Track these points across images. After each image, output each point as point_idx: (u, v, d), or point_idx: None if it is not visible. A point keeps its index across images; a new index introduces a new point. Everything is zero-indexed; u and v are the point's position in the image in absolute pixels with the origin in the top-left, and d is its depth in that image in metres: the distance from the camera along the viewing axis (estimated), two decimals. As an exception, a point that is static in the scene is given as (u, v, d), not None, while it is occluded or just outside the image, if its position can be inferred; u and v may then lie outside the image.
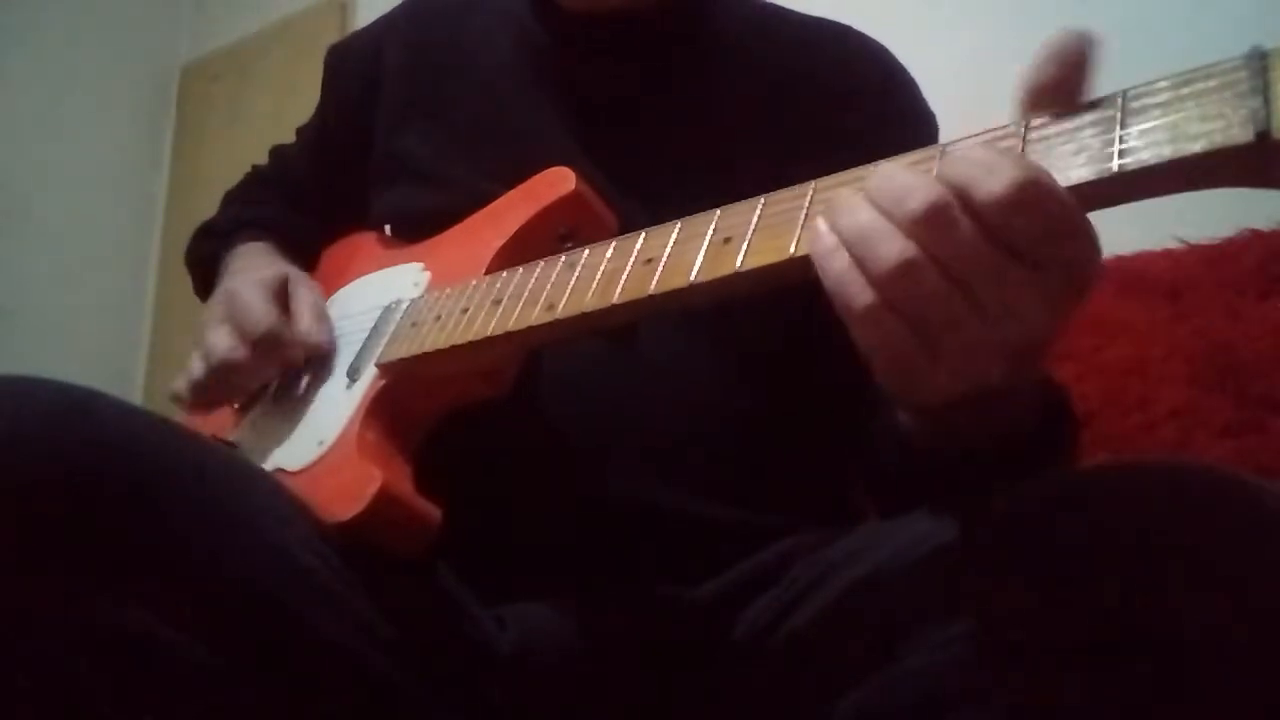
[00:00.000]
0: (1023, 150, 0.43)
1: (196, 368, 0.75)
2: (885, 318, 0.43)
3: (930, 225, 0.41)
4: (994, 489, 0.52)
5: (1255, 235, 1.07)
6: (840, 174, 0.48)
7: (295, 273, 0.80)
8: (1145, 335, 1.04)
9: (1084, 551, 0.45)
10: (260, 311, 0.72)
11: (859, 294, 0.43)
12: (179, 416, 0.79)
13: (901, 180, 0.42)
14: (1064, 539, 0.46)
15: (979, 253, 0.41)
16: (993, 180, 0.40)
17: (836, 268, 0.44)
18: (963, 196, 0.41)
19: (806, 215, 0.47)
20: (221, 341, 0.73)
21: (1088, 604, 0.44)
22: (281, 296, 0.76)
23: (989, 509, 0.51)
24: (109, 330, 2.96)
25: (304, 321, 0.74)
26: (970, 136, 0.45)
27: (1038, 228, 0.40)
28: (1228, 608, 0.42)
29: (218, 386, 0.74)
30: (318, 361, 0.74)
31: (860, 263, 0.43)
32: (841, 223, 0.44)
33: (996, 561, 0.48)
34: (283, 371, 0.75)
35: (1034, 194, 0.40)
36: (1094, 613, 0.43)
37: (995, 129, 0.45)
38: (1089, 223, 0.42)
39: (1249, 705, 0.41)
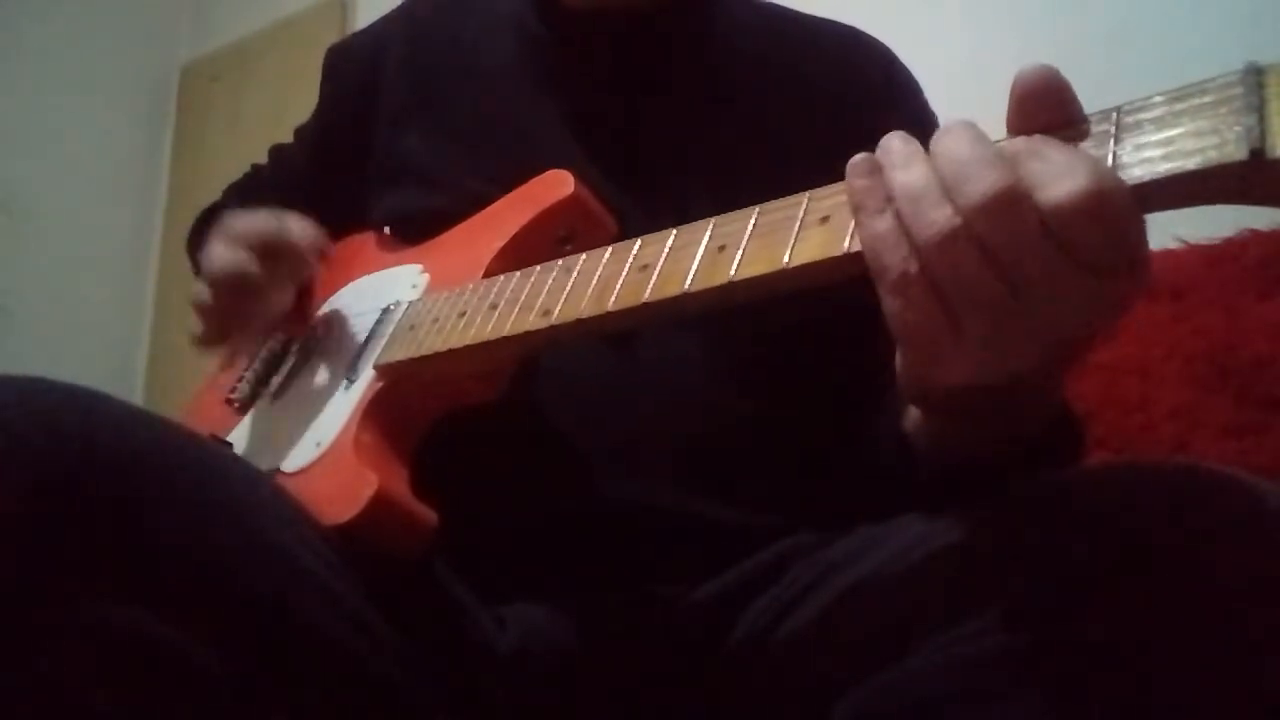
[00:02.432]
0: (1113, 152, 0.40)
1: (202, 293, 0.73)
2: (918, 287, 0.41)
3: (988, 213, 0.39)
4: (993, 490, 0.52)
5: (1255, 235, 1.07)
6: (835, 185, 0.47)
7: (283, 210, 0.79)
8: (1145, 335, 1.05)
9: (1083, 552, 0.45)
10: (256, 218, 0.72)
11: (896, 257, 0.41)
12: (178, 418, 0.79)
13: (971, 155, 0.41)
14: (1063, 540, 0.46)
15: (1032, 247, 0.39)
16: (1065, 183, 0.39)
17: (879, 227, 0.42)
18: (1031, 191, 0.39)
19: (801, 225, 0.47)
20: (223, 253, 0.71)
21: (1087, 604, 0.44)
22: (275, 217, 0.76)
23: (988, 510, 0.51)
24: (109, 330, 2.97)
25: (300, 224, 0.74)
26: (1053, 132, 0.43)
27: (1099, 237, 0.39)
28: (1228, 608, 0.42)
29: (231, 306, 0.73)
30: (315, 362, 0.73)
31: (905, 223, 0.41)
32: (897, 176, 0.42)
33: (996, 563, 0.48)
34: (288, 343, 0.74)
35: (1105, 207, 0.39)
36: (1093, 613, 0.43)
37: (1084, 121, 0.42)
38: (1146, 243, 0.41)
39: (1249, 705, 0.41)
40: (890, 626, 0.51)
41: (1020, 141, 0.41)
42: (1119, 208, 0.39)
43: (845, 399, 0.73)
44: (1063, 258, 0.39)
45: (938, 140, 0.42)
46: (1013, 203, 0.39)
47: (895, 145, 0.44)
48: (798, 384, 0.75)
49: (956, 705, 0.45)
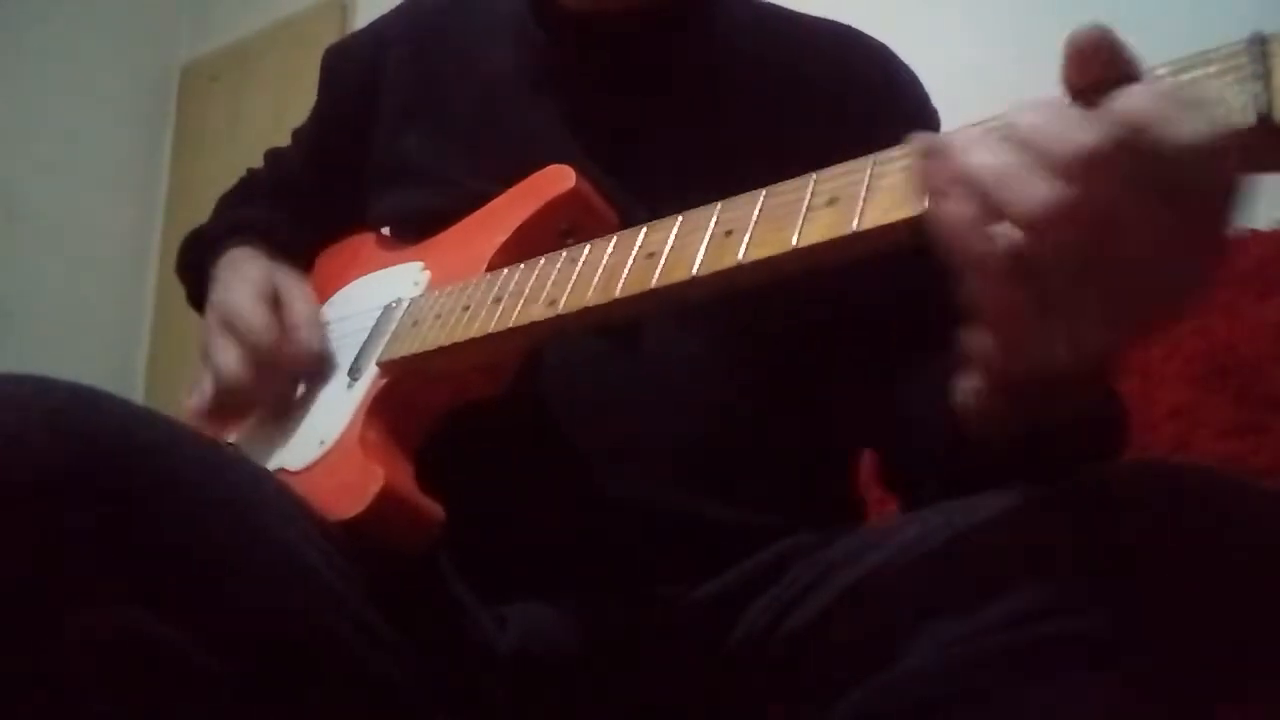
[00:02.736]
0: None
1: (206, 387, 0.73)
2: (1007, 267, 0.39)
3: (1093, 164, 0.37)
4: (993, 490, 0.52)
5: (1255, 235, 1.07)
6: (842, 164, 0.47)
7: (281, 273, 0.78)
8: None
9: (1083, 553, 0.45)
10: (258, 322, 0.71)
11: (987, 244, 0.39)
12: (179, 417, 0.79)
13: (1059, 118, 0.38)
14: (1063, 540, 0.46)
15: (1140, 203, 0.37)
16: (1184, 122, 0.36)
17: (957, 209, 0.40)
18: (1140, 132, 0.37)
19: (808, 207, 0.47)
20: (230, 363, 0.71)
21: (1087, 605, 0.44)
22: (269, 298, 0.74)
23: (987, 511, 0.51)
24: (109, 330, 2.97)
25: (301, 333, 0.72)
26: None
27: (1218, 179, 0.37)
28: (1228, 609, 0.42)
29: (228, 406, 0.73)
30: (318, 363, 0.73)
31: (996, 207, 0.39)
32: (979, 159, 0.40)
33: (996, 563, 0.48)
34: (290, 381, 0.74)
35: (1222, 148, 0.36)
36: (1093, 614, 0.43)
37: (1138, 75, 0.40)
38: (1259, 170, 0.39)
39: (1249, 706, 0.41)
40: (890, 626, 0.51)
41: (1120, 94, 0.39)
42: (1232, 150, 0.37)
43: (848, 398, 0.73)
44: (1173, 211, 0.37)
45: (1015, 117, 0.40)
46: (1122, 147, 0.37)
47: (968, 131, 0.42)
48: (799, 384, 0.75)
49: (957, 706, 0.45)
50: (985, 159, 0.40)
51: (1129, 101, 0.38)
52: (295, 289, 0.76)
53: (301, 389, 0.73)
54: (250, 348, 0.71)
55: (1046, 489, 0.50)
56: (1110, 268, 0.39)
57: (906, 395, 0.68)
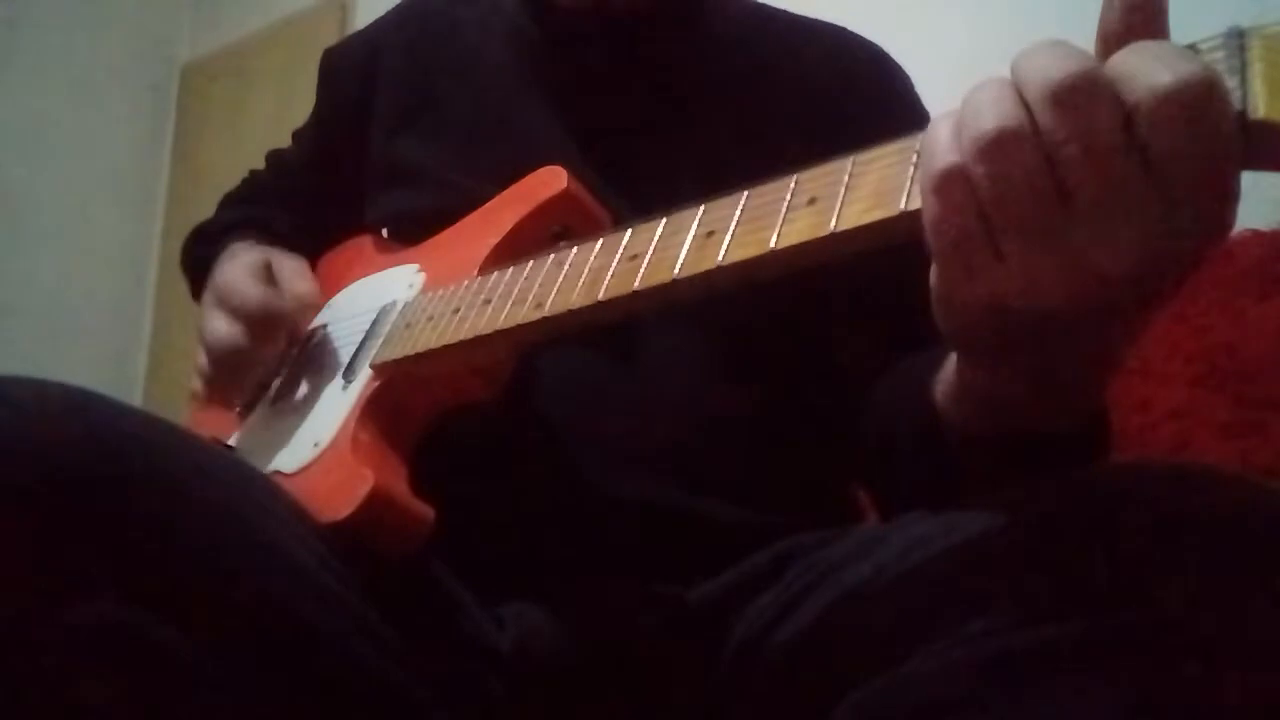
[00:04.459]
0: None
1: (203, 360, 0.76)
2: (958, 188, 0.38)
3: (1057, 101, 0.36)
4: (991, 492, 0.52)
5: (1255, 235, 1.07)
6: (824, 165, 0.47)
7: (277, 253, 0.82)
8: (1145, 335, 1.04)
9: (1083, 554, 0.45)
10: (249, 289, 0.75)
11: (940, 155, 0.39)
12: (179, 418, 0.79)
13: (1048, 50, 0.37)
14: (1063, 542, 0.46)
15: (1101, 145, 0.36)
16: (1164, 72, 0.35)
17: (938, 130, 0.40)
18: (1118, 80, 0.36)
19: (788, 208, 0.47)
20: (220, 328, 0.74)
21: (1088, 607, 0.43)
22: (266, 274, 0.78)
23: (988, 512, 0.51)
24: (109, 330, 2.97)
25: (291, 287, 0.76)
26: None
27: (1190, 142, 0.35)
28: (1229, 610, 0.42)
29: (228, 374, 0.75)
30: (314, 364, 0.73)
31: (959, 127, 0.39)
32: (972, 93, 0.39)
33: (997, 565, 0.48)
34: (288, 351, 0.76)
35: (1207, 100, 0.35)
36: (1094, 615, 0.43)
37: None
38: (1239, 188, 0.37)
39: (1250, 706, 0.41)
40: (890, 629, 0.50)
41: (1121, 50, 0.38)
42: (1225, 112, 0.35)
43: (846, 397, 0.73)
44: (1135, 162, 0.36)
45: (1020, 55, 0.39)
46: (1091, 89, 0.36)
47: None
48: (797, 382, 0.75)
49: (957, 709, 0.45)
50: (977, 91, 0.39)
51: (1121, 54, 0.37)
52: (288, 260, 0.80)
53: (298, 391, 0.73)
54: (245, 316, 0.74)
55: (1046, 490, 0.50)
56: (1061, 207, 0.37)
57: (885, 392, 0.68)
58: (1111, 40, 0.40)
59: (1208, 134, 0.36)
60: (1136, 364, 1.03)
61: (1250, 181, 0.38)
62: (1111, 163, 0.36)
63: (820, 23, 0.86)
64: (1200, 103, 0.35)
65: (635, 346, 0.72)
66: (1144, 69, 0.36)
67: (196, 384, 0.79)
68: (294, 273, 0.78)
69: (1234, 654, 0.41)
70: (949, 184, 0.39)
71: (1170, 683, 0.41)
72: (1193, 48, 0.38)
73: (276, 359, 0.77)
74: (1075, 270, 0.39)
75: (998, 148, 0.38)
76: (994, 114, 0.38)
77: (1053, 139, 0.37)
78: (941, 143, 0.40)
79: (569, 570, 0.68)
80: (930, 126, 0.41)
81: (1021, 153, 0.37)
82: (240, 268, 0.78)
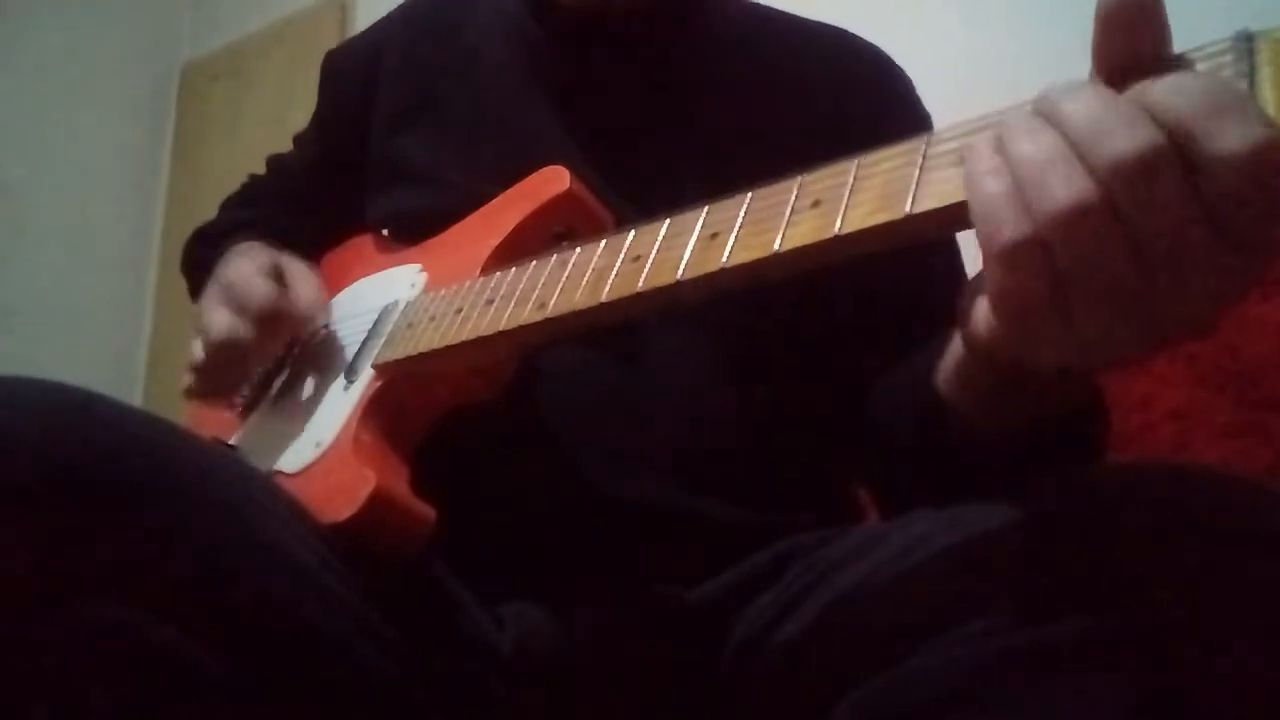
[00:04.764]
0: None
1: (197, 351, 0.74)
2: (1033, 260, 0.37)
3: (1131, 176, 0.35)
4: (992, 491, 0.52)
5: (1255, 235, 1.07)
6: (828, 167, 0.47)
7: (287, 256, 0.80)
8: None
9: (1084, 554, 0.45)
10: (259, 286, 0.73)
11: (1011, 225, 0.38)
12: (179, 418, 0.79)
13: (1109, 111, 0.36)
14: (1063, 542, 0.46)
15: (1179, 219, 0.35)
16: (1231, 135, 0.34)
17: (992, 189, 0.38)
18: (1184, 145, 0.35)
19: (792, 210, 0.47)
20: (221, 320, 0.72)
21: (1088, 606, 0.43)
22: (275, 273, 0.76)
23: (988, 511, 0.51)
24: (109, 330, 2.97)
25: (301, 291, 0.74)
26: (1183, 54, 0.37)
27: (1263, 201, 0.34)
28: (1229, 610, 0.42)
29: (222, 367, 0.73)
30: (316, 364, 0.73)
31: (1026, 191, 0.37)
32: (1019, 148, 0.38)
33: (997, 564, 0.48)
34: (288, 353, 0.75)
35: (1268, 155, 0.34)
36: (1094, 615, 0.43)
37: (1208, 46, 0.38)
38: None
39: (1250, 705, 0.41)
40: (890, 628, 0.50)
41: (1160, 88, 0.36)
42: None
43: (847, 397, 0.73)
44: (1210, 228, 0.35)
45: (1062, 103, 0.38)
46: (1164, 162, 0.35)
47: (1015, 115, 0.40)
48: (798, 384, 0.75)
49: (957, 708, 0.45)
50: (1025, 146, 0.38)
51: (1170, 100, 0.36)
52: (298, 265, 0.78)
53: (299, 391, 0.73)
54: (251, 312, 0.72)
55: (1046, 489, 0.50)
56: (1137, 281, 0.37)
57: (886, 389, 0.68)
58: (1113, 62, 0.39)
59: (1275, 186, 0.35)
60: (1136, 364, 1.03)
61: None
62: (1183, 229, 0.35)
63: (820, 24, 0.86)
64: (1270, 167, 0.34)
65: (637, 347, 0.72)
66: (1210, 129, 0.35)
67: (187, 378, 0.77)
68: (304, 277, 0.77)
69: (1234, 654, 0.41)
70: (1023, 256, 0.38)
71: (1170, 683, 0.41)
72: (1200, 50, 0.38)
73: (274, 360, 0.76)
74: (1150, 329, 0.38)
75: (1075, 221, 0.36)
76: (1065, 188, 0.36)
77: (1125, 210, 0.36)
78: (1004, 208, 0.38)
79: (569, 570, 0.68)
80: (973, 173, 0.39)
81: (1098, 225, 0.36)
82: (250, 265, 0.77)
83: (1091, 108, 0.37)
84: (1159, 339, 0.39)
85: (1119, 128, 0.36)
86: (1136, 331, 0.38)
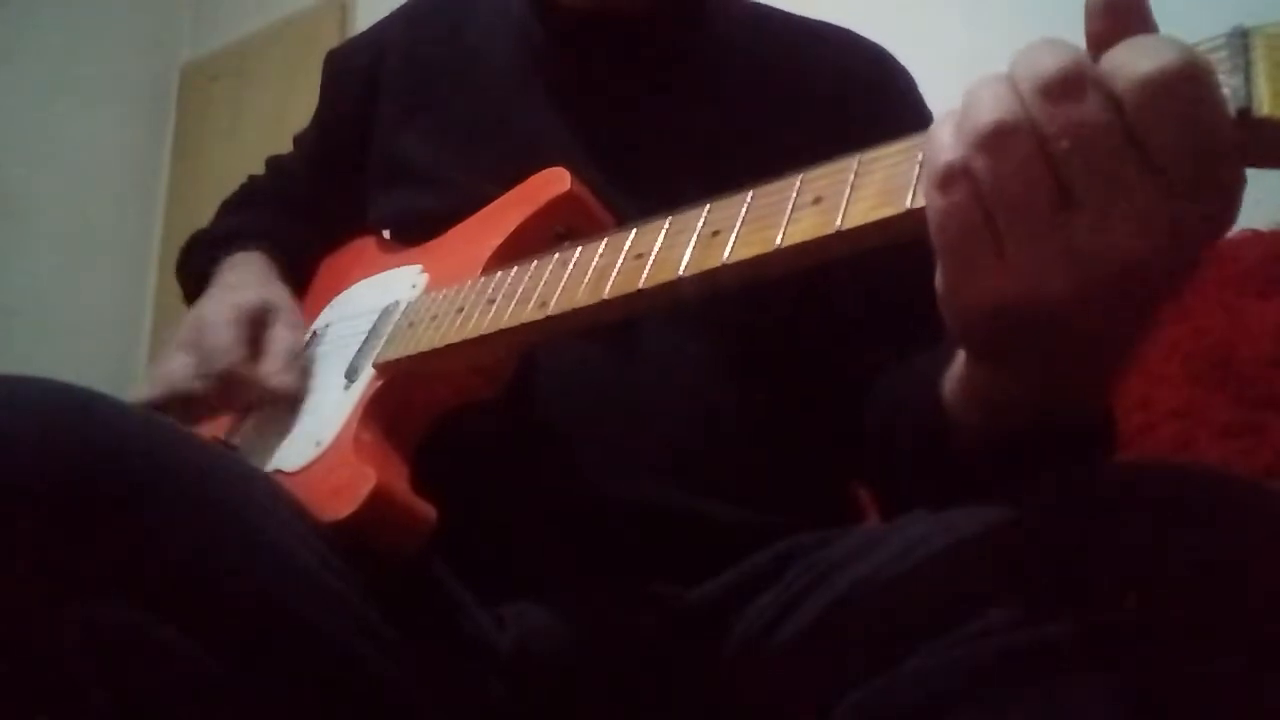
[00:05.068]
0: None
1: (144, 391, 0.71)
2: (961, 186, 0.39)
3: (1049, 94, 0.37)
4: (992, 491, 0.52)
5: (1255, 235, 1.07)
6: (829, 164, 0.47)
7: (278, 301, 0.77)
8: (1149, 336, 1.04)
9: (1083, 554, 0.45)
10: (225, 345, 0.70)
11: (946, 149, 0.39)
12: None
13: (1040, 45, 0.38)
14: (1063, 542, 0.46)
15: (1095, 137, 0.36)
16: (1146, 60, 0.35)
17: (936, 131, 0.40)
18: (1108, 72, 0.36)
19: (793, 207, 0.47)
20: (177, 370, 0.70)
21: (1089, 605, 0.43)
22: (255, 327, 0.73)
23: (988, 512, 0.51)
24: (109, 330, 2.96)
25: (271, 364, 0.71)
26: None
27: (1179, 128, 0.35)
28: (1229, 610, 0.42)
29: (166, 410, 0.70)
30: (318, 363, 0.73)
31: (959, 124, 0.39)
32: (970, 90, 0.40)
33: (996, 565, 0.48)
34: (243, 409, 0.73)
35: (1189, 86, 0.35)
36: (1094, 615, 0.43)
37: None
38: (1241, 161, 0.37)
39: (1250, 705, 0.41)
40: (890, 628, 0.50)
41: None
42: (1209, 98, 0.36)
43: (847, 397, 0.73)
44: (1130, 153, 0.36)
45: (1016, 54, 0.40)
46: (1079, 82, 0.37)
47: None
48: (799, 382, 0.75)
49: (957, 708, 0.45)
50: (975, 85, 0.40)
51: (1115, 50, 0.37)
52: (283, 314, 0.75)
53: (304, 390, 0.73)
54: (211, 372, 0.70)
55: (1046, 489, 0.50)
56: (1061, 203, 0.38)
57: (888, 391, 0.68)
58: (1102, 46, 0.40)
59: (1194, 120, 0.36)
60: (1136, 364, 1.03)
61: (1250, 181, 0.38)
62: (1103, 153, 0.37)
63: (822, 23, 0.86)
64: (1181, 87, 0.35)
65: (638, 346, 0.72)
66: (1129, 59, 0.36)
67: (136, 394, 0.72)
68: (284, 354, 0.72)
69: (1233, 653, 0.41)
70: (950, 179, 0.39)
71: (1170, 682, 0.41)
72: (1196, 47, 0.38)
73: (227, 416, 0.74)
74: (1075, 264, 0.39)
75: (995, 140, 0.38)
76: (991, 108, 0.38)
77: (1046, 131, 0.37)
78: (943, 140, 0.40)
79: (569, 570, 0.68)
80: (933, 126, 0.42)
81: (1018, 145, 0.38)
82: (228, 310, 0.73)
83: (1035, 45, 0.38)
84: (1084, 276, 0.39)
85: (1048, 54, 0.37)
86: (1062, 265, 0.39)
